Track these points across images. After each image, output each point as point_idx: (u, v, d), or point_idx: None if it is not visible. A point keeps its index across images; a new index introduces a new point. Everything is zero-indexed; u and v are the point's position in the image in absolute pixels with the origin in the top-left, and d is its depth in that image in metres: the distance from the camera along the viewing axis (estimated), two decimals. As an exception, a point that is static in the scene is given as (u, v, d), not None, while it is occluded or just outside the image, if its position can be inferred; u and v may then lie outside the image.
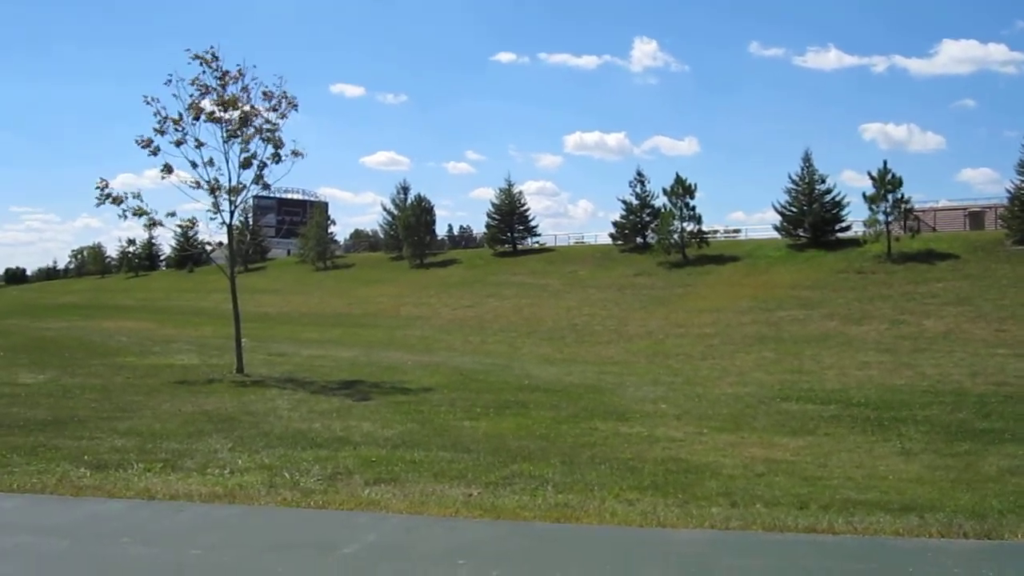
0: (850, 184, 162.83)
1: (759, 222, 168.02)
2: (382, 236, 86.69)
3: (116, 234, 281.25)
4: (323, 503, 8.36)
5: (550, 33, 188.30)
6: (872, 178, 51.03)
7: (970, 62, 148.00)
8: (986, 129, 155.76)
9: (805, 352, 31.04)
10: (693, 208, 58.53)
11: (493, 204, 73.09)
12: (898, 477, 11.55)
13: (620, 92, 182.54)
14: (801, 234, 56.70)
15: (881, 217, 50.03)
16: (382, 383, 21.33)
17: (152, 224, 22.75)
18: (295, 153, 22.71)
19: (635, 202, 64.44)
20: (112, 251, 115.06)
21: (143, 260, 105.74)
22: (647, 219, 63.61)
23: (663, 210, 59.85)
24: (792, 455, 13.13)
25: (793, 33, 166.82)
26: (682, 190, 58.70)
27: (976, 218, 62.47)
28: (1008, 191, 51.09)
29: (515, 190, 73.56)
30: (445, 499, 8.57)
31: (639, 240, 63.77)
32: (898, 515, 8.39)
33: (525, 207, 73.50)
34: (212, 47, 21.80)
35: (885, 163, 51.19)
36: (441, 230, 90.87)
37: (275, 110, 22.45)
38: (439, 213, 78.68)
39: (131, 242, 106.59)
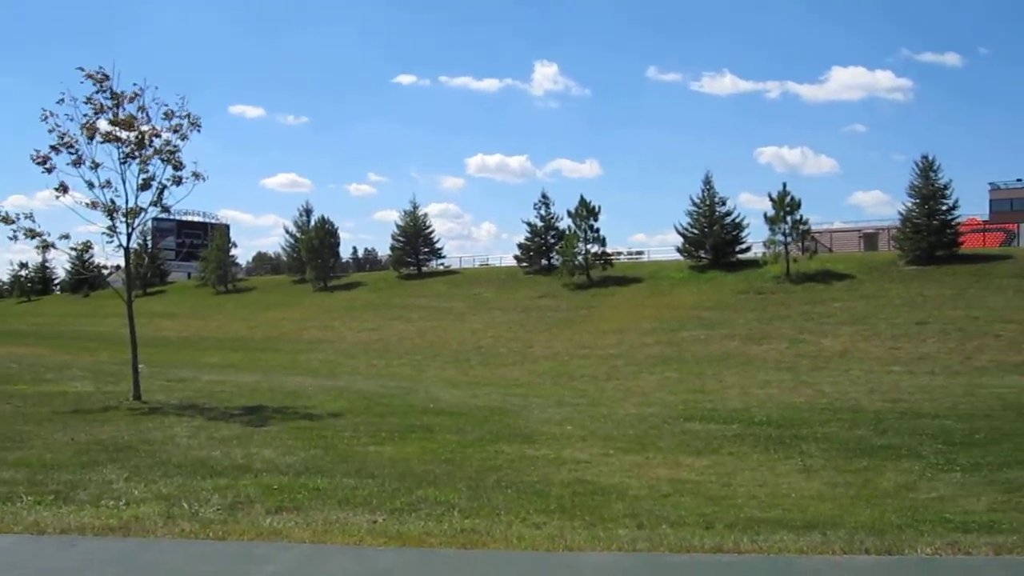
0: (747, 206, 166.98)
1: (660, 244, 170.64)
2: (285, 259, 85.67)
3: (7, 256, 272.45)
4: (223, 534, 8.08)
5: (451, 56, 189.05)
6: (772, 200, 52.10)
7: (859, 88, 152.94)
8: (876, 153, 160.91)
9: (707, 372, 31.48)
10: (597, 230, 59.07)
11: (398, 226, 72.81)
12: (800, 494, 11.71)
13: (522, 115, 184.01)
14: (702, 255, 57.57)
15: (780, 238, 51.09)
16: (284, 408, 20.92)
17: (45, 246, 22.00)
18: (196, 175, 22.15)
19: (540, 224, 64.75)
20: (2, 274, 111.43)
21: (36, 284, 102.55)
22: (552, 241, 63.96)
23: (568, 232, 60.22)
24: (697, 475, 13.23)
25: (689, 59, 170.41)
26: (586, 212, 59.18)
27: (870, 239, 64.25)
28: (900, 213, 52.68)
29: (420, 212, 73.38)
30: (349, 527, 8.38)
31: (544, 262, 64.06)
32: (801, 532, 8.47)
33: (430, 229, 73.40)
34: (101, 67, 21.17)
35: (784, 185, 52.24)
36: (345, 252, 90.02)
37: (176, 131, 21.90)
38: (342, 235, 78.14)
39: (23, 265, 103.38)
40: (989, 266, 46.25)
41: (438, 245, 74.37)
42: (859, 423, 18.87)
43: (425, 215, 73.80)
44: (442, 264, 75.12)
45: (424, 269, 72.22)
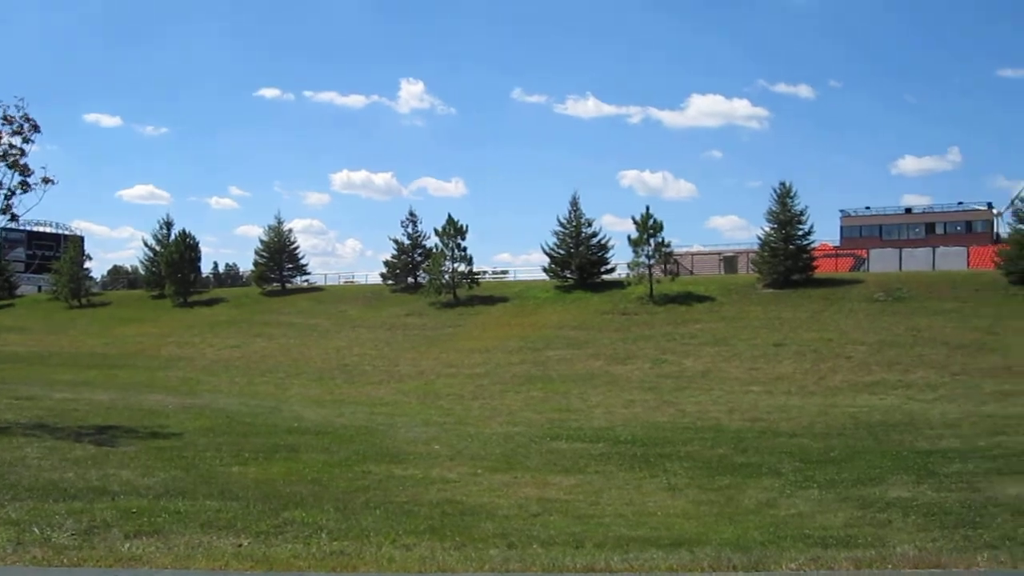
0: (611, 228, 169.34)
1: (524, 263, 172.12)
2: (143, 273, 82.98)
3: None
4: (78, 560, 7.71)
5: (316, 71, 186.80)
6: (635, 222, 53.01)
7: (717, 115, 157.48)
8: (732, 179, 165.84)
9: (573, 391, 31.79)
10: (464, 249, 59.11)
11: (262, 241, 71.37)
12: (666, 512, 11.89)
13: (388, 132, 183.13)
14: (568, 276, 58.15)
15: (644, 260, 52.00)
16: (142, 428, 20.23)
17: None
18: (46, 180, 21.19)
19: (407, 242, 64.46)
20: None
21: None
22: (419, 259, 63.74)
23: (435, 250, 60.11)
24: (565, 494, 13.31)
25: (553, 81, 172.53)
26: (454, 231, 59.18)
27: (730, 262, 66.08)
28: (759, 237, 54.28)
29: (284, 227, 72.17)
30: (213, 551, 8.10)
31: (410, 280, 63.76)
32: (669, 550, 8.58)
33: (295, 245, 72.22)
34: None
35: (647, 208, 53.24)
36: (206, 268, 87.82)
37: (18, 133, 20.90)
38: (203, 250, 75.79)
39: None
40: (841, 290, 48.07)
41: (303, 261, 73.27)
42: (720, 442, 19.31)
43: (290, 230, 72.61)
44: (306, 281, 73.91)
45: (288, 285, 71.00)
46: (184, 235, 72.14)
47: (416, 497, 12.52)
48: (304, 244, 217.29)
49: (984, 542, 9.35)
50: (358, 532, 9.38)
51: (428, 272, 60.37)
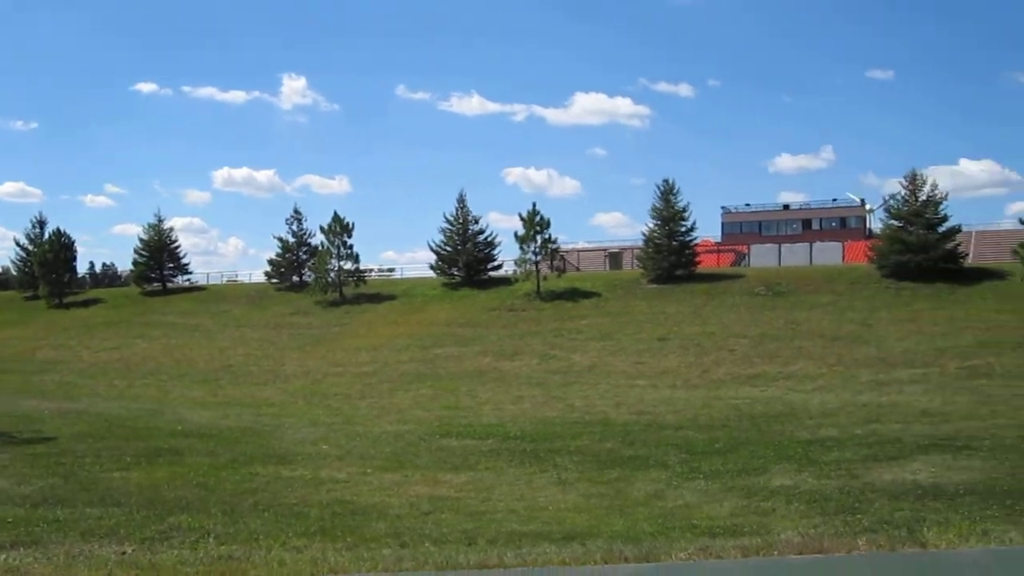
0: (497, 225, 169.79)
1: (411, 261, 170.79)
2: (15, 273, 79.96)
3: None
4: (-51, 574, 7.40)
5: (195, 65, 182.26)
6: (522, 219, 53.25)
7: (600, 113, 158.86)
8: (616, 176, 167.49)
9: (461, 388, 31.81)
10: (351, 247, 58.54)
11: (141, 240, 69.34)
12: (557, 507, 11.97)
13: (270, 128, 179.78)
14: (455, 273, 58.09)
15: (531, 257, 52.29)
16: (16, 434, 19.50)
17: None
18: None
19: (292, 240, 63.50)
20: None
21: None
22: (304, 257, 62.86)
23: (320, 248, 59.39)
24: (456, 491, 13.29)
25: (437, 79, 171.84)
26: (340, 228, 58.53)
27: (615, 258, 66.87)
28: (643, 234, 55.06)
29: (165, 226, 70.37)
30: (95, 560, 7.83)
31: (296, 279, 62.82)
32: (562, 544, 8.64)
33: (176, 244, 70.44)
34: None
35: (534, 205, 53.60)
36: (82, 267, 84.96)
37: None
38: (79, 249, 73.22)
39: None
40: (723, 285, 49.12)
41: (184, 260, 71.53)
42: (609, 435, 19.54)
43: (171, 229, 70.79)
44: (188, 280, 72.14)
45: (169, 285, 69.25)
46: (58, 234, 69.75)
47: (305, 498, 12.35)
48: (185, 243, 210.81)
49: (863, 526, 9.67)
50: (246, 535, 9.21)
51: (314, 270, 59.60)
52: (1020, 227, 48.37)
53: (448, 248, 58.66)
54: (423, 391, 31.70)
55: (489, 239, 59.07)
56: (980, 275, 46.84)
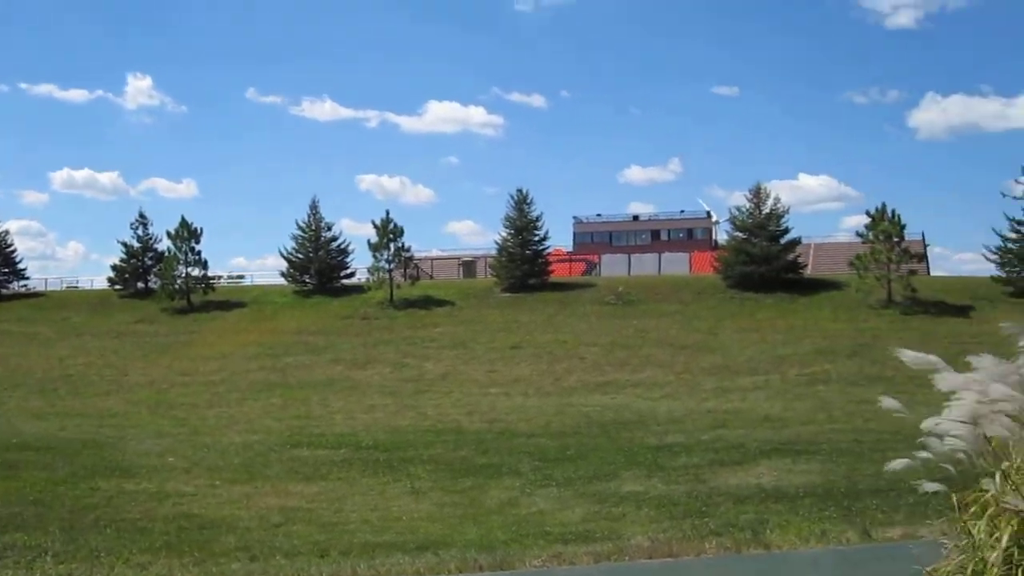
0: (350, 232, 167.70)
1: (261, 268, 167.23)
2: None
3: None
4: None
5: (32, 62, 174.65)
6: (375, 227, 52.93)
7: (454, 122, 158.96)
8: (469, 184, 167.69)
9: (313, 397, 31.35)
10: (199, 253, 57.04)
11: (-28, 244, 66.20)
12: (411, 516, 11.92)
13: (113, 129, 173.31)
14: (307, 280, 57.25)
15: (384, 265, 51.99)
16: None
17: None
18: None
19: (137, 245, 61.44)
20: None
21: None
22: (150, 263, 60.90)
23: (167, 254, 57.67)
24: (308, 502, 13.10)
25: (289, 82, 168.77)
26: (188, 234, 57.00)
27: (469, 267, 67.01)
28: (496, 243, 55.41)
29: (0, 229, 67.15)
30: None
31: (141, 285, 60.79)
32: (415, 554, 8.60)
33: (11, 248, 67.27)
34: None
35: (387, 213, 53.34)
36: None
37: None
38: (-98, 253, 69.20)
39: None
40: (574, 294, 49.86)
41: (20, 265, 68.34)
42: (462, 444, 19.57)
43: (6, 232, 67.61)
44: (24, 286, 69.00)
45: (3, 292, 66.16)
46: None
47: (150, 512, 11.97)
48: (21, 247, 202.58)
49: (710, 529, 9.94)
50: (87, 553, 8.87)
51: (160, 277, 57.82)
52: (855, 240, 50.56)
53: (300, 255, 57.78)
54: (273, 400, 31.12)
55: (342, 246, 58.52)
56: (818, 286, 48.92)
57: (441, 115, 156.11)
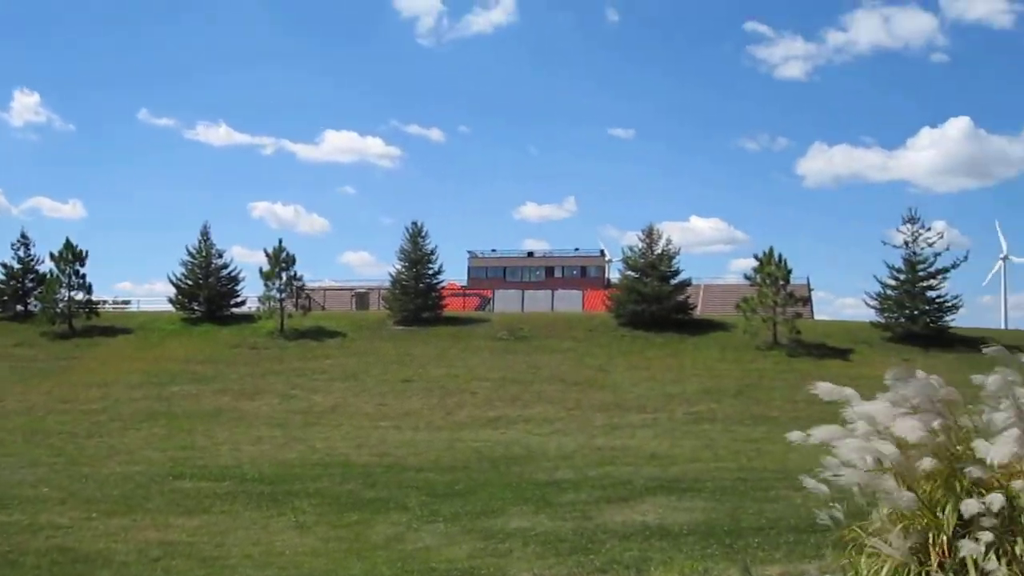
0: (241, 260, 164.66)
1: (148, 293, 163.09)
2: None
3: None
4: None
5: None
6: (267, 255, 52.32)
7: (351, 152, 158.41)
8: (365, 215, 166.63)
9: (198, 428, 30.72)
10: (83, 276, 55.51)
11: None
12: (294, 551, 11.73)
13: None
14: (196, 307, 56.15)
15: (275, 294, 51.36)
16: None
17: None
18: None
19: (17, 266, 59.53)
20: None
21: None
22: (30, 285, 59.01)
23: (49, 276, 55.97)
24: (188, 536, 12.79)
25: (183, 105, 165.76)
26: (72, 256, 55.44)
27: (362, 298, 66.56)
28: (390, 275, 55.25)
29: None
30: None
31: (20, 308, 58.87)
32: (298, 591, 8.48)
33: None
34: None
35: (280, 241, 52.84)
36: None
37: None
38: None
39: None
40: (468, 328, 49.99)
41: None
42: (349, 477, 19.36)
43: None
44: None
45: None
46: None
47: (21, 545, 11.53)
48: None
49: (595, 566, 10.02)
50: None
51: (41, 300, 56.05)
52: (744, 282, 51.83)
53: (189, 281, 56.67)
54: (156, 430, 30.37)
55: (233, 274, 57.63)
56: (707, 326, 50.00)
57: (338, 144, 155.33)
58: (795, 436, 5.82)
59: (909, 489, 5.41)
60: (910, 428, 5.35)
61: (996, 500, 5.08)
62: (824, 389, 5.95)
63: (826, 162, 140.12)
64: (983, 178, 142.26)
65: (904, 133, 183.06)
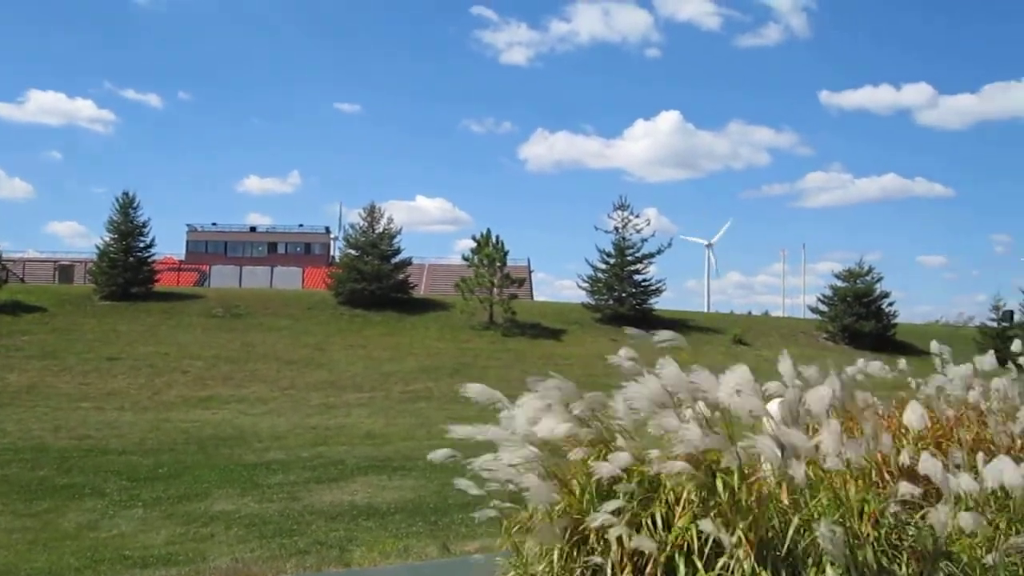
0: None
1: None
2: None
3: None
4: None
5: None
6: (-43, 223, 48.38)
7: (59, 114, 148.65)
8: (74, 182, 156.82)
9: None
10: None
11: None
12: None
13: None
14: None
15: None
16: None
17: None
18: None
19: None
20: None
21: None
22: None
23: None
24: None
25: None
26: None
27: (66, 272, 62.85)
28: (98, 247, 52.35)
29: None
30: None
31: None
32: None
33: None
34: None
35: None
36: None
37: None
38: None
39: None
40: (182, 304, 48.15)
41: None
42: (42, 463, 18.19)
43: None
44: None
45: None
46: None
47: None
48: None
49: (297, 548, 9.89)
50: None
51: None
52: (464, 263, 52.87)
53: None
54: None
55: None
56: (427, 305, 50.65)
57: (45, 106, 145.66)
58: (461, 432, 6.07)
59: (560, 480, 5.66)
60: (548, 429, 5.67)
61: (621, 458, 5.35)
62: (475, 391, 6.23)
63: (548, 148, 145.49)
64: (691, 170, 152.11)
65: (621, 123, 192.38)
